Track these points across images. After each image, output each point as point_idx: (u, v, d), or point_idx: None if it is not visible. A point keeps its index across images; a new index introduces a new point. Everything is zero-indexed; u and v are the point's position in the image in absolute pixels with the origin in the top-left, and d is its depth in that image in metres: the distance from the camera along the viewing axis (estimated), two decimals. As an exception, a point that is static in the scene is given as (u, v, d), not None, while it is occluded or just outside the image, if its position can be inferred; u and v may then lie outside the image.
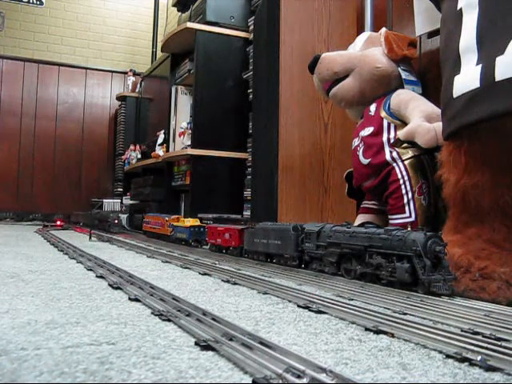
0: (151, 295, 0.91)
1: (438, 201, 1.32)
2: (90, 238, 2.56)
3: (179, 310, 0.76)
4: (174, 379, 0.48)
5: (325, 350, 0.60)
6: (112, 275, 1.18)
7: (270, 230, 1.48)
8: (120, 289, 1.01)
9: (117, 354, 0.55)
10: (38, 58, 5.10)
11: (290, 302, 0.92)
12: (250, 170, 2.85)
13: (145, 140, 4.13)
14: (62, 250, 1.87)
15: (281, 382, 0.44)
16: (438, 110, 1.29)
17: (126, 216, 3.85)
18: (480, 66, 1.01)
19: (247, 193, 2.88)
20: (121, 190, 4.70)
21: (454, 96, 1.07)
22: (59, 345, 0.58)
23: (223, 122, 3.04)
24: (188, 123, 3.17)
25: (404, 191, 1.37)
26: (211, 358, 0.55)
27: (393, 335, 0.67)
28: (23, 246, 2.09)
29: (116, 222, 3.17)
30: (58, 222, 3.90)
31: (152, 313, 0.78)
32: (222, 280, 1.18)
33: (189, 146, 3.06)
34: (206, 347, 0.58)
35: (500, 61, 0.96)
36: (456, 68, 1.08)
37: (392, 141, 1.42)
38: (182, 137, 3.18)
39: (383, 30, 1.58)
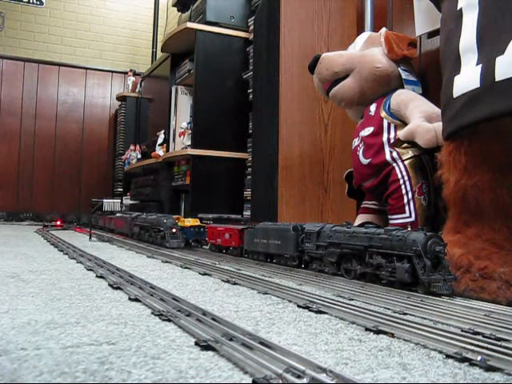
0: (151, 295, 0.90)
1: (438, 201, 1.32)
2: (90, 238, 2.56)
3: (179, 310, 0.76)
4: (174, 379, 0.48)
5: (325, 350, 0.60)
6: (112, 275, 1.18)
7: (270, 230, 1.48)
8: (120, 289, 1.01)
9: (117, 354, 0.55)
10: (38, 58, 5.10)
11: (290, 302, 0.92)
12: (250, 169, 2.85)
13: (145, 140, 4.13)
14: (62, 250, 1.87)
15: (281, 382, 0.44)
16: (438, 110, 1.28)
17: None
18: (480, 66, 1.01)
19: (247, 193, 2.88)
20: (121, 189, 4.70)
21: (454, 96, 1.07)
22: (59, 345, 0.58)
23: (223, 122, 3.04)
24: (188, 123, 3.17)
25: (404, 191, 1.37)
26: (211, 358, 0.55)
27: (393, 335, 0.67)
28: (23, 246, 2.08)
29: (174, 231, 2.10)
30: (58, 222, 3.90)
31: (152, 313, 0.78)
32: (222, 280, 1.18)
33: (189, 145, 3.06)
34: (206, 347, 0.58)
35: (500, 61, 0.96)
36: (456, 68, 1.08)
37: (392, 141, 1.42)
38: (182, 137, 3.18)
39: (383, 30, 1.58)
